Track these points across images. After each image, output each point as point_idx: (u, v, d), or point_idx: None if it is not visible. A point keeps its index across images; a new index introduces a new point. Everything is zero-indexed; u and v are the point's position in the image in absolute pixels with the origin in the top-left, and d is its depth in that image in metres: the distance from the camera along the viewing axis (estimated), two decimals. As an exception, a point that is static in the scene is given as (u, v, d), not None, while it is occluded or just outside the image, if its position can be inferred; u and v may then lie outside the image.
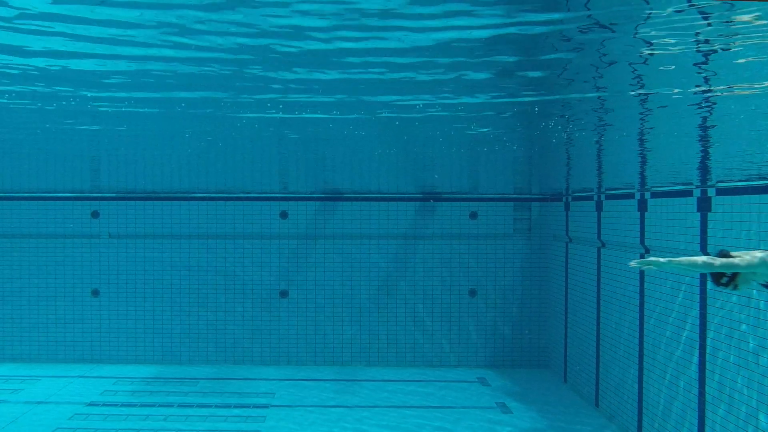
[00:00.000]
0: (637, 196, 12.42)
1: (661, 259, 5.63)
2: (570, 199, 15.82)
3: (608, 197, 13.78)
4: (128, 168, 12.43)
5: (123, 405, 14.39)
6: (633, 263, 5.70)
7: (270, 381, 16.30)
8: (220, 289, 17.70)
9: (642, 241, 12.15)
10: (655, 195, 11.85)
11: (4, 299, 17.82)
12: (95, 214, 17.72)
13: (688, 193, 10.69)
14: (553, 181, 14.08)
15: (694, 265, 5.73)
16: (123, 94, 5.33)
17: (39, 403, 14.46)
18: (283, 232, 17.73)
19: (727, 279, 5.71)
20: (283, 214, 17.68)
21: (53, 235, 17.76)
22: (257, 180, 14.49)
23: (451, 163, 10.81)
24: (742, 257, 5.65)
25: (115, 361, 17.76)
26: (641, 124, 6.00)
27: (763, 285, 5.97)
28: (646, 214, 12.07)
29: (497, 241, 17.68)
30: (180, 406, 14.35)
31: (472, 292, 17.66)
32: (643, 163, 8.96)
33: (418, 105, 5.50)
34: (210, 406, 14.33)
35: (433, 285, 17.67)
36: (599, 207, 14.13)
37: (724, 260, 5.61)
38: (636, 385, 12.33)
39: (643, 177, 10.72)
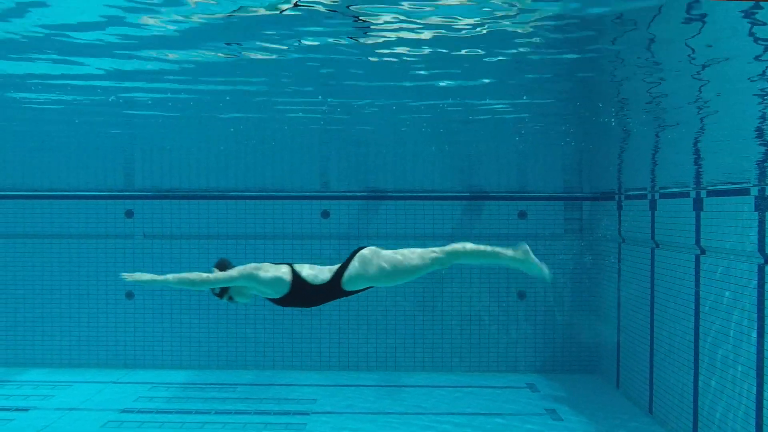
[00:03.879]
0: (693, 194, 12.56)
1: (145, 276, 5.76)
2: (623, 198, 15.98)
3: (662, 196, 13.93)
4: (164, 165, 12.64)
5: (158, 412, 14.55)
6: (125, 276, 5.83)
7: (311, 387, 16.41)
8: (258, 291, 17.72)
9: (698, 242, 12.31)
10: (711, 194, 12.01)
11: (35, 302, 18.04)
12: (129, 214, 17.87)
13: (745, 192, 10.87)
14: (604, 179, 14.22)
15: (192, 281, 5.80)
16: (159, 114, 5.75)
17: (71, 409, 14.62)
18: (324, 232, 17.80)
19: (220, 290, 5.91)
20: (325, 214, 17.79)
21: (86, 235, 17.94)
22: (297, 177, 14.66)
23: (499, 159, 11.00)
24: (233, 270, 5.81)
25: (150, 366, 17.92)
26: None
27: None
28: (702, 213, 12.24)
29: (547, 242, 17.67)
30: (218, 413, 14.49)
31: (521, 295, 17.79)
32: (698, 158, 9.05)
33: (475, 104, 5.80)
34: (249, 413, 14.49)
35: (480, 287, 17.74)
36: (653, 206, 14.31)
37: (220, 275, 5.77)
38: (691, 392, 12.51)
39: (698, 174, 10.83)
